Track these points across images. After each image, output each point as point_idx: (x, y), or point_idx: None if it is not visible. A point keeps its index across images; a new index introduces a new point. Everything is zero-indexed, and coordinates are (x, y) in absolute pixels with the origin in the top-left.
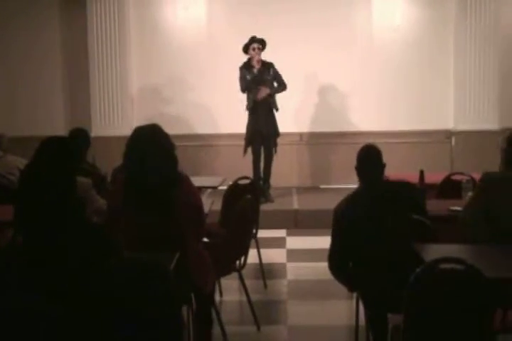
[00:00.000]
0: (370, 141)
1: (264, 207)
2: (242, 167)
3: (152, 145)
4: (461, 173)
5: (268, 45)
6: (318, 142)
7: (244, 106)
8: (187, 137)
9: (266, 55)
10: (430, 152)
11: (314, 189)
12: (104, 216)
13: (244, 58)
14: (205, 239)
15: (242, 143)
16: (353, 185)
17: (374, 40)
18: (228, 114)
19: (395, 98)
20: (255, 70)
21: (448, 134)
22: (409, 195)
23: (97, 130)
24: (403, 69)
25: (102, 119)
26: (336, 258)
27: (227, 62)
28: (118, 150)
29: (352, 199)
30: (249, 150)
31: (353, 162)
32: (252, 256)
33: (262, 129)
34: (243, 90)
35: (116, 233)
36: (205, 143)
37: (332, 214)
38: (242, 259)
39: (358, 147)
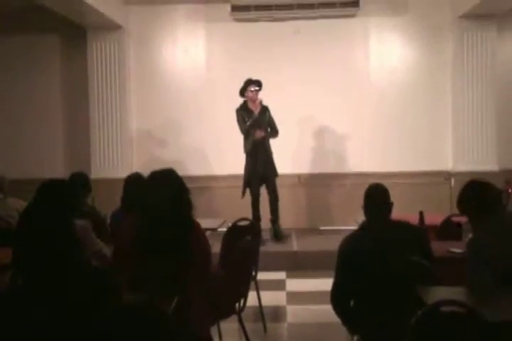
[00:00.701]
0: (369, 182)
1: (264, 248)
2: (241, 208)
3: (168, 190)
4: (461, 215)
5: (266, 87)
6: (316, 183)
7: (243, 149)
8: (186, 179)
9: (265, 98)
10: (429, 193)
11: (313, 230)
12: (103, 259)
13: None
14: None
15: (241, 184)
16: (353, 226)
17: (371, 82)
18: (227, 156)
19: (393, 139)
20: (256, 113)
21: (447, 175)
22: (416, 236)
23: (96, 172)
24: (400, 111)
25: (101, 161)
26: (339, 294)
27: (225, 104)
28: (117, 193)
29: (356, 237)
30: (248, 192)
31: (352, 203)
32: (252, 299)
33: (260, 170)
34: (245, 132)
35: (117, 276)
36: (204, 184)
37: (332, 254)
38: (242, 302)
39: (357, 188)
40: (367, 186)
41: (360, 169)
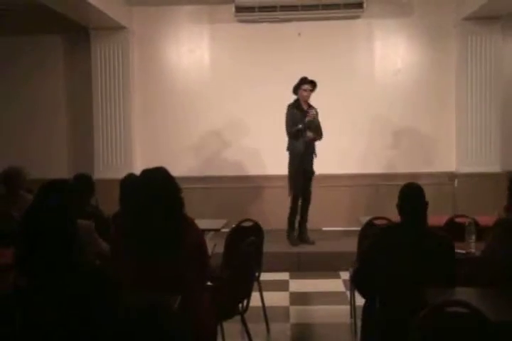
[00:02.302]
0: (374, 183)
1: (267, 249)
2: (245, 209)
3: (159, 188)
4: (465, 216)
5: (268, 90)
6: (317, 184)
7: (286, 147)
8: (189, 179)
9: (268, 100)
10: (433, 194)
11: (316, 231)
12: (106, 259)
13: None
14: (208, 283)
15: (244, 185)
16: (355, 227)
17: (375, 84)
18: (232, 158)
19: (397, 140)
20: (310, 114)
21: (451, 176)
22: (446, 251)
23: (99, 173)
24: (405, 113)
25: (104, 162)
26: (360, 277)
27: (230, 105)
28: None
29: (388, 232)
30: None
31: (354, 204)
32: (255, 299)
33: (306, 167)
34: (293, 132)
35: (118, 275)
36: (208, 185)
37: (335, 256)
38: (245, 302)
39: (360, 189)
40: (401, 185)
41: (364, 170)
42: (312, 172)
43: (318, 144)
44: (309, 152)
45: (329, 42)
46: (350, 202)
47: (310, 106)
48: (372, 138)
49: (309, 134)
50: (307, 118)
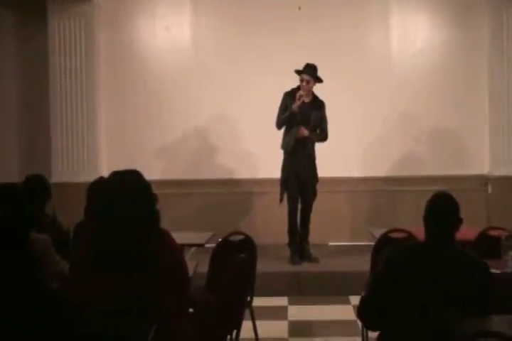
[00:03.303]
0: (390, 188)
1: (261, 268)
2: (233, 220)
3: (130, 195)
4: (500, 228)
5: (261, 74)
6: (326, 190)
7: (280, 145)
8: (165, 183)
9: (262, 85)
10: (462, 201)
11: (321, 247)
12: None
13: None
14: (189, 309)
15: (233, 190)
16: (364, 241)
17: (391, 68)
18: (218, 158)
19: (420, 138)
20: (295, 106)
21: (483, 181)
22: (478, 277)
23: (57, 176)
24: (426, 103)
25: (63, 162)
26: (369, 308)
27: (216, 93)
28: (83, 201)
29: (408, 252)
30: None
31: (366, 213)
32: (247, 330)
33: (299, 172)
34: (278, 126)
35: (79, 301)
36: (190, 190)
37: (343, 276)
38: (234, 334)
39: (375, 196)
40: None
41: (375, 173)
42: (309, 177)
43: (318, 145)
44: (304, 153)
45: (335, 19)
46: (361, 212)
47: (315, 99)
48: (387, 134)
49: (303, 132)
50: (294, 106)
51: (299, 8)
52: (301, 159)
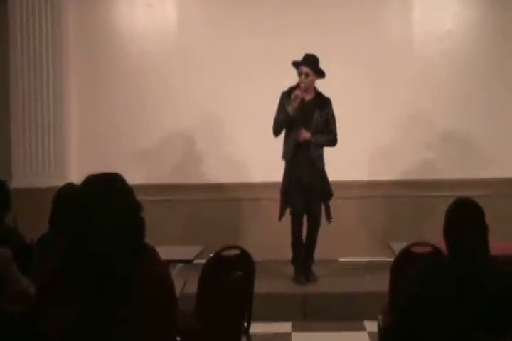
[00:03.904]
0: (408, 194)
1: (260, 288)
2: (227, 231)
3: (110, 204)
4: None
5: (260, 61)
6: (339, 195)
7: (281, 154)
8: (146, 188)
9: (259, 76)
10: (490, 209)
11: (331, 263)
12: (28, 302)
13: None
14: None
15: (226, 196)
16: (381, 257)
17: (413, 54)
18: (206, 161)
19: (441, 133)
20: (291, 107)
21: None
22: None
23: (18, 180)
24: (454, 93)
25: (26, 165)
26: (399, 336)
27: (203, 82)
28: (48, 209)
29: (437, 270)
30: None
31: (380, 224)
32: None
33: (301, 181)
34: (275, 131)
35: (45, 327)
36: (175, 197)
37: (356, 298)
38: None
39: (391, 202)
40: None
41: (390, 176)
42: (314, 187)
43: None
44: (306, 159)
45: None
46: (375, 221)
47: (318, 96)
48: (405, 132)
49: (304, 135)
50: (289, 108)
51: None
52: (303, 166)
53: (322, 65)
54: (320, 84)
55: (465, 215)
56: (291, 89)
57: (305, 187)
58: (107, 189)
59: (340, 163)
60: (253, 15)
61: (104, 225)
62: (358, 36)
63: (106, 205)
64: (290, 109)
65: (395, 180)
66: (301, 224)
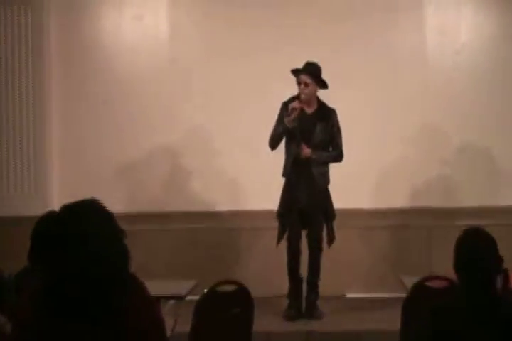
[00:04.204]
0: (421, 223)
1: (259, 327)
2: (222, 264)
3: (90, 234)
4: None
5: (257, 78)
6: (342, 224)
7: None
8: (131, 217)
9: (255, 94)
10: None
11: (336, 299)
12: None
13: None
14: None
15: (222, 225)
16: (397, 292)
17: (429, 68)
18: (203, 183)
19: (456, 158)
20: (291, 118)
21: None
22: None
23: None
24: (469, 116)
25: (1, 191)
26: None
27: (197, 98)
28: (27, 241)
29: (456, 308)
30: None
31: (390, 256)
32: None
33: (299, 202)
34: (271, 145)
35: None
36: (163, 226)
37: (365, 337)
38: None
39: (402, 233)
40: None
41: (404, 203)
42: (314, 208)
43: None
44: (306, 177)
45: (356, 7)
46: (385, 253)
47: (321, 108)
48: (418, 151)
49: (304, 151)
50: (286, 120)
51: None
52: (302, 185)
53: (331, 80)
54: (329, 100)
55: (475, 246)
56: (292, 100)
57: (304, 209)
58: (84, 217)
59: (344, 188)
60: (249, 28)
61: (82, 258)
62: (368, 50)
63: (83, 234)
64: (287, 120)
65: (405, 207)
66: (297, 251)
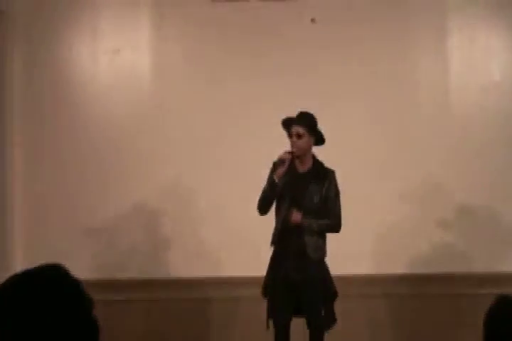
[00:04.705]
0: (430, 292)
1: None
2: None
3: (53, 302)
4: None
5: (259, 114)
6: (346, 292)
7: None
8: (100, 285)
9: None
10: None
11: None
12: None
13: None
14: None
15: (205, 294)
16: None
17: (450, 111)
18: (180, 247)
19: (471, 218)
20: (299, 172)
21: None
22: None
23: None
24: (502, 157)
25: None
26: None
27: (186, 145)
28: None
29: None
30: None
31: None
32: None
33: (290, 274)
34: (260, 207)
35: None
36: (135, 295)
37: None
38: None
39: (415, 304)
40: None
41: (409, 268)
42: (308, 284)
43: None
44: (296, 247)
45: (368, 31)
46: (384, 324)
47: (316, 167)
48: (422, 208)
49: (294, 217)
50: (275, 175)
51: (313, 21)
52: (293, 257)
53: (340, 121)
54: (333, 139)
55: (500, 315)
56: (279, 161)
57: (296, 286)
58: (48, 285)
59: (339, 252)
60: (249, 61)
61: (45, 331)
62: (382, 88)
63: (47, 307)
64: (276, 175)
65: (409, 273)
66: (285, 338)
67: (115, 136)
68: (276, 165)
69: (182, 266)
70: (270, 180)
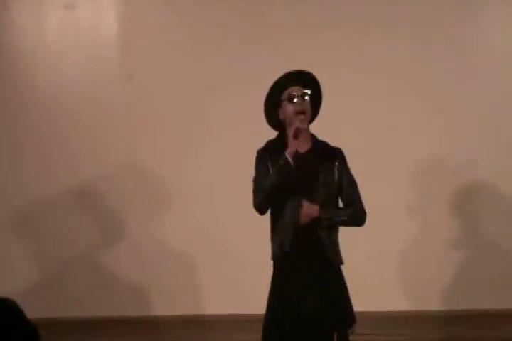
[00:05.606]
0: (439, 334)
1: None
2: None
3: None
4: None
5: (255, 101)
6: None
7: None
8: (54, 324)
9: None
10: None
11: None
12: None
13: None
14: None
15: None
16: None
17: (490, 88)
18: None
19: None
20: (290, 160)
21: None
22: None
23: None
24: None
25: None
26: None
27: (157, 149)
28: None
29: None
30: None
31: None
32: None
33: (307, 303)
34: (263, 202)
35: None
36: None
37: None
38: None
39: None
40: None
41: (421, 305)
42: (322, 310)
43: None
44: (311, 258)
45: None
46: None
47: (318, 146)
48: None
49: (308, 210)
50: (287, 154)
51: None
52: (310, 271)
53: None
54: (350, 129)
55: None
56: (270, 145)
57: (303, 316)
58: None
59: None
60: (238, 24)
61: None
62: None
63: None
64: (288, 152)
65: (420, 310)
66: None
67: (74, 118)
68: (289, 137)
69: (152, 304)
70: (270, 177)
